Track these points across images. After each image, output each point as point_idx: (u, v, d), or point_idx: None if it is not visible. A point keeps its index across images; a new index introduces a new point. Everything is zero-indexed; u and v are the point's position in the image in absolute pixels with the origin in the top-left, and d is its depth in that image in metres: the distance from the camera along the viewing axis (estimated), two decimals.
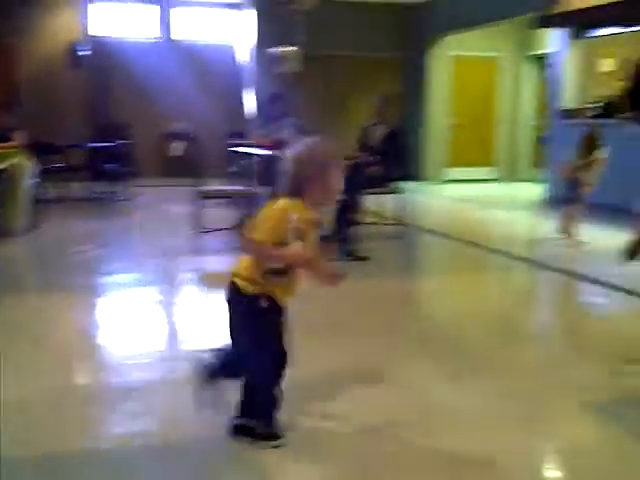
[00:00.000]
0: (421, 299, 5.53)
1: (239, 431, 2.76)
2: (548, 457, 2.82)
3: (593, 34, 9.95)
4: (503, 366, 3.70)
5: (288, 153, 2.65)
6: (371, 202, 7.50)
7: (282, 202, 2.57)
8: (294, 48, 11.52)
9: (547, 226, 7.82)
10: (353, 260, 6.22)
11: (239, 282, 2.61)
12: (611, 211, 8.11)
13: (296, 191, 2.60)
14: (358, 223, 7.02)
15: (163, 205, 9.94)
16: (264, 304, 2.59)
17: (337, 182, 2.63)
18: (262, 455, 2.66)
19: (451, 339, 4.18)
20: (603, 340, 4.25)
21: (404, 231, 7.49)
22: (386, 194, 7.43)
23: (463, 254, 6.98)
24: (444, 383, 3.43)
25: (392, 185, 7.36)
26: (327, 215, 6.92)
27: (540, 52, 12.54)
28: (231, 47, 13.40)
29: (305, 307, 4.77)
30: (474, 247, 7.06)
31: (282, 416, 2.76)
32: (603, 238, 7.11)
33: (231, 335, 2.68)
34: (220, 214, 7.45)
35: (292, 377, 2.76)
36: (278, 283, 2.61)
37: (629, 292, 5.14)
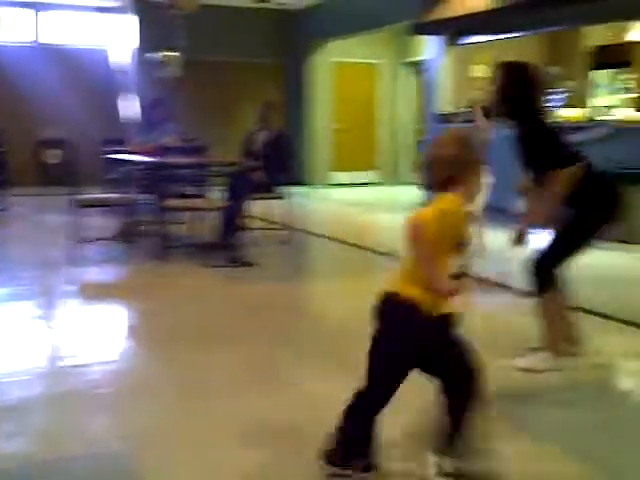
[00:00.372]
0: (307, 303, 5.54)
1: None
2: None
3: (467, 41, 10.32)
4: None
5: (441, 138, 2.36)
6: (257, 207, 7.47)
7: (449, 198, 2.29)
8: (175, 53, 11.34)
9: None
10: (239, 266, 6.17)
11: (404, 293, 2.30)
12: (490, 212, 8.42)
13: (447, 182, 2.31)
14: (244, 229, 6.99)
15: (40, 215, 9.54)
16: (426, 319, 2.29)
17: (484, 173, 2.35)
18: (143, 471, 2.59)
19: (338, 342, 4.19)
20: (487, 335, 4.39)
21: (291, 236, 7.51)
22: (272, 199, 7.43)
23: (350, 257, 7.07)
24: (331, 385, 3.45)
25: (278, 190, 7.37)
26: (212, 221, 6.87)
27: (418, 58, 12.89)
28: (108, 52, 13.05)
29: (183, 316, 4.71)
30: (360, 250, 7.17)
31: None
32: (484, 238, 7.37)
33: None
34: (99, 223, 7.23)
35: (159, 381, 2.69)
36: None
37: (506, 287, 5.34)
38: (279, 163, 7.22)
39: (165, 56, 11.38)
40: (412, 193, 11.46)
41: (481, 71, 11.18)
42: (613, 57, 9.85)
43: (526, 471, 2.62)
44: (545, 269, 3.57)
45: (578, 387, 3.50)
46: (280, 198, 7.39)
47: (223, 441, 2.82)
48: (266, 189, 7.17)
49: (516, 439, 2.89)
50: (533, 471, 2.63)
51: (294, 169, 12.89)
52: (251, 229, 7.30)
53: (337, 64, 13.57)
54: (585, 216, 3.52)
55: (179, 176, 7.24)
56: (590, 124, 8.15)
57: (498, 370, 3.63)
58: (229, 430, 2.90)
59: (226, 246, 6.54)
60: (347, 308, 5.14)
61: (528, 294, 3.83)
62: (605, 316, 4.60)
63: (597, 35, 10.07)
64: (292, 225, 7.63)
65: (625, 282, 5.75)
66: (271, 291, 5.47)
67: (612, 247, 6.64)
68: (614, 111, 9.31)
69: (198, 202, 6.92)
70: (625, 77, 9.86)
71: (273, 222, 7.84)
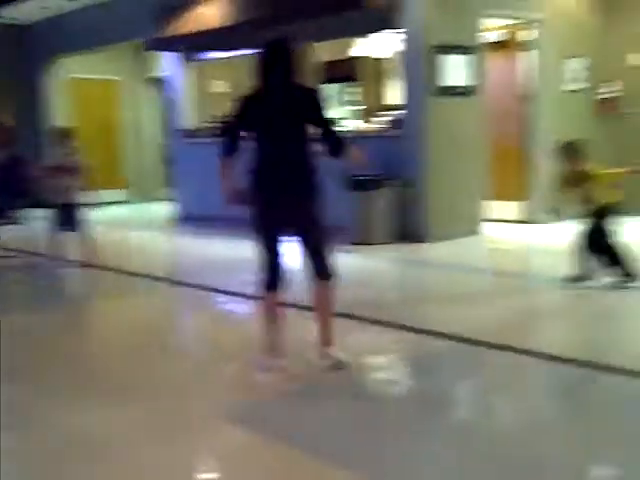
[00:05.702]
0: (55, 332, 5.20)
1: None
2: (197, 468, 2.89)
3: (205, 57, 10.48)
4: (152, 385, 3.73)
5: None
6: None
7: None
8: None
9: (182, 243, 8.03)
10: None
11: None
12: (232, 222, 8.67)
13: None
14: None
15: None
16: None
17: None
18: None
19: (96, 369, 4.08)
20: (240, 343, 4.52)
21: (33, 262, 7.10)
22: (8, 224, 6.98)
23: (101, 280, 6.82)
24: (92, 413, 3.35)
25: (15, 215, 6.97)
26: None
27: (159, 74, 12.83)
28: None
29: None
30: (112, 272, 6.93)
31: None
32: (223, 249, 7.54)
33: None
34: None
35: None
36: None
37: (245, 296, 5.52)
38: (14, 187, 6.84)
39: None
40: (161, 209, 11.42)
41: (222, 87, 11.42)
42: (341, 72, 10.54)
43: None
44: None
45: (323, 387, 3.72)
46: (19, 223, 6.99)
47: None
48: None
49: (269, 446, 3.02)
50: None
51: (35, 192, 12.26)
52: None
53: (75, 81, 13.10)
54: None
55: None
56: None
57: (259, 379, 3.78)
58: None
59: None
60: (99, 334, 5.00)
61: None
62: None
63: (326, 51, 10.70)
64: (33, 250, 7.23)
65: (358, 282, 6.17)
66: (10, 324, 5.14)
67: (349, 249, 7.14)
68: (346, 122, 9.98)
69: None
70: (352, 90, 10.61)
71: (10, 249, 7.32)
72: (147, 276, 6.64)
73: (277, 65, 3.75)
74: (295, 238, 3.79)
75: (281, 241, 3.79)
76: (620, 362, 3.75)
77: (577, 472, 2.68)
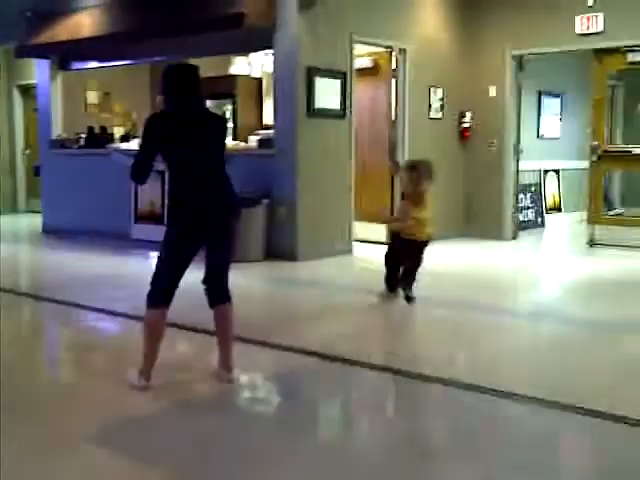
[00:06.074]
0: None
1: None
2: None
3: (78, 66, 10.23)
4: (14, 406, 3.53)
5: None
6: None
7: None
8: None
9: (47, 257, 7.77)
10: None
11: None
12: (100, 236, 8.55)
13: None
14: None
15: None
16: None
17: None
18: None
19: None
20: (108, 361, 4.44)
21: None
22: None
23: None
24: None
25: None
26: None
27: (29, 82, 12.38)
28: None
29: None
30: None
31: None
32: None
33: None
34: None
35: None
36: None
37: (113, 313, 5.47)
38: None
39: None
40: (26, 221, 10.99)
41: (95, 97, 11.19)
42: (218, 88, 10.55)
43: None
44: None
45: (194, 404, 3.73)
46: None
47: None
48: None
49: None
50: None
51: None
52: None
53: None
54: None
55: None
56: None
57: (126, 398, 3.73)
58: None
59: None
60: None
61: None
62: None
63: (205, 67, 10.68)
64: None
65: None
66: None
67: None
68: None
69: None
70: (229, 108, 10.65)
71: None
72: (8, 291, 6.39)
73: (190, 91, 3.73)
74: (205, 257, 3.80)
75: (189, 262, 3.74)
76: (460, 376, 4.00)
77: None
